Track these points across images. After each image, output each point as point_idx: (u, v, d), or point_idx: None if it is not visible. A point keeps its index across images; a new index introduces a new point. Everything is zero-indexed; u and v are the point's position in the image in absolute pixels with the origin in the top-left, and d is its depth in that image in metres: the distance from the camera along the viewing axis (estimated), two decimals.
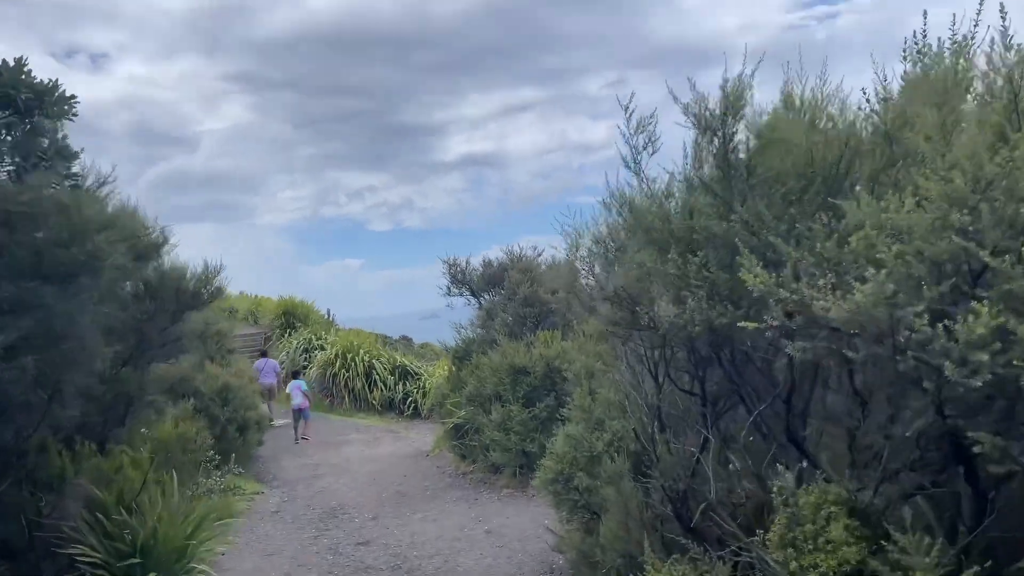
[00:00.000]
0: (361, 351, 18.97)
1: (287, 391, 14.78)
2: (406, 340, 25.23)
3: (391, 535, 7.82)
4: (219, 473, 9.20)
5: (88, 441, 6.06)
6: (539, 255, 10.80)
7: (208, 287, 7.15)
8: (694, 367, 3.85)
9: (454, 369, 11.85)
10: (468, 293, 11.51)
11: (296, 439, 13.97)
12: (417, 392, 17.90)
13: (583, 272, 5.48)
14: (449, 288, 11.50)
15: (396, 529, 7.98)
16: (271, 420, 14.65)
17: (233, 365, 12.79)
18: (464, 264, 11.48)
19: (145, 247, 6.23)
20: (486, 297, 11.38)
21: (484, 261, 11.29)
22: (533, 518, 7.92)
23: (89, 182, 5.59)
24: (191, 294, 6.99)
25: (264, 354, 17.24)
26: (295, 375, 15.25)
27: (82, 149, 5.29)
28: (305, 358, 21.39)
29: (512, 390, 8.76)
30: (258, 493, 10.21)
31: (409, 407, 17.70)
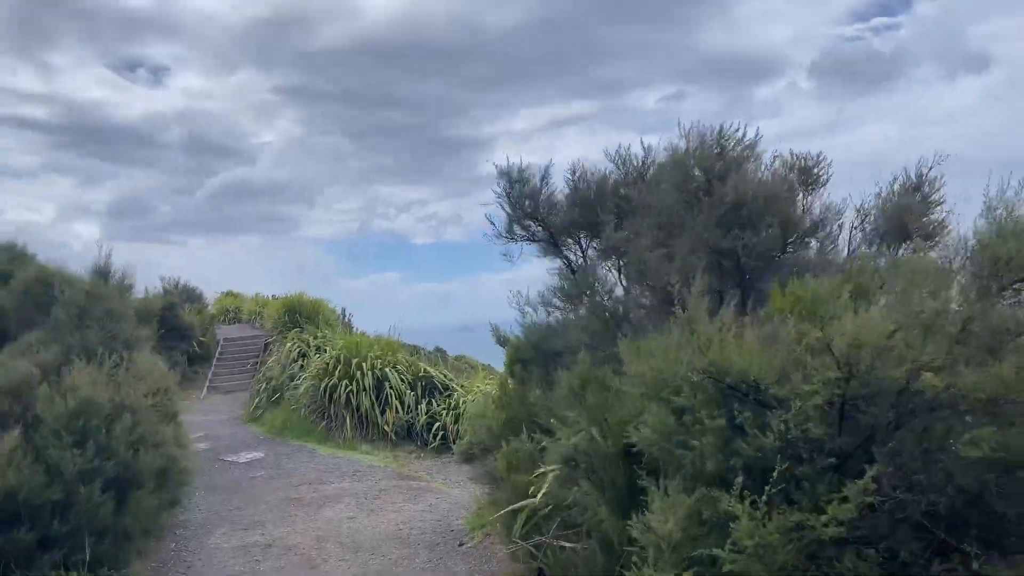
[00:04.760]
0: (370, 357, 13.62)
1: None
2: (441, 352, 20.07)
3: None
4: None
5: None
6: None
7: None
8: None
9: (511, 385, 6.32)
10: (542, 235, 5.83)
11: None
12: (447, 415, 12.57)
13: None
14: (510, 226, 5.77)
15: None
16: None
17: (134, 369, 7.39)
18: (538, 182, 5.79)
19: None
20: (574, 244, 5.78)
21: (575, 171, 5.58)
22: None
23: None
24: None
25: None
26: None
27: None
28: (300, 365, 16.12)
29: (721, 450, 3.07)
30: None
31: (435, 436, 12.33)
